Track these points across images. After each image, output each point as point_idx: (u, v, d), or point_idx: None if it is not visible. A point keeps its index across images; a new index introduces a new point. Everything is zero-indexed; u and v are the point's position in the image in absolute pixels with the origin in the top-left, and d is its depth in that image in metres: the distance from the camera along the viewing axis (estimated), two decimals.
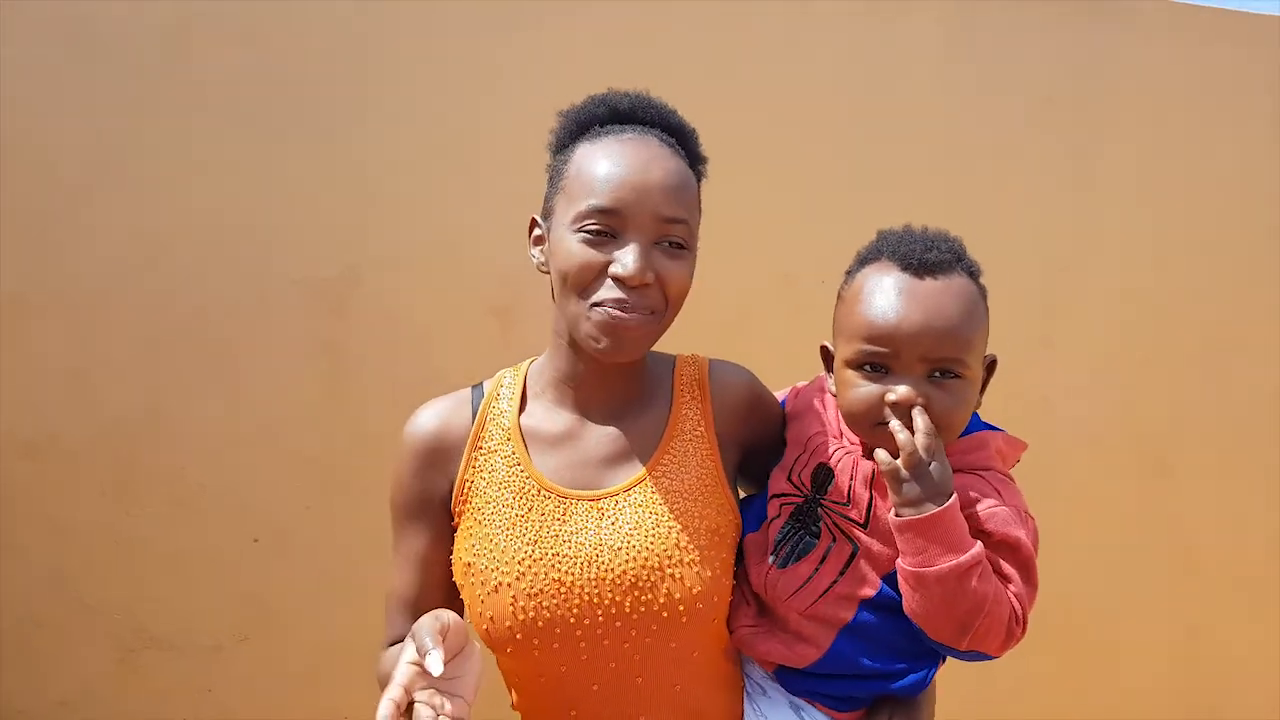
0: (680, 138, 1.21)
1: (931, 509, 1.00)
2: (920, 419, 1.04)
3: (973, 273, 1.14)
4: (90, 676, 2.55)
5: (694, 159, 1.23)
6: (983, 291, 1.15)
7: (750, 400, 1.27)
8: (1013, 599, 1.02)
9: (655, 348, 1.26)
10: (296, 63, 2.36)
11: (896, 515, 1.03)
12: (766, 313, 2.35)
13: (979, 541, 1.02)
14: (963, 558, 0.99)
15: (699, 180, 1.24)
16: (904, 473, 1.02)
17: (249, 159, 2.38)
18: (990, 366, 1.17)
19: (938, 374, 1.08)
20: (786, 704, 1.17)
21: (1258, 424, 2.43)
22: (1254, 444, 2.44)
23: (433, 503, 1.23)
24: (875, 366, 1.10)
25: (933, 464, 1.02)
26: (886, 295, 1.09)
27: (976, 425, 1.19)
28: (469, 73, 2.37)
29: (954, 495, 1.02)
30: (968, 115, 2.37)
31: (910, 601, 1.03)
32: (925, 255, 1.10)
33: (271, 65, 2.36)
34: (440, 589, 1.23)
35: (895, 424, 1.05)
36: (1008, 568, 1.04)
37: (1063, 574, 2.44)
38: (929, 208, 2.32)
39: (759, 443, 1.28)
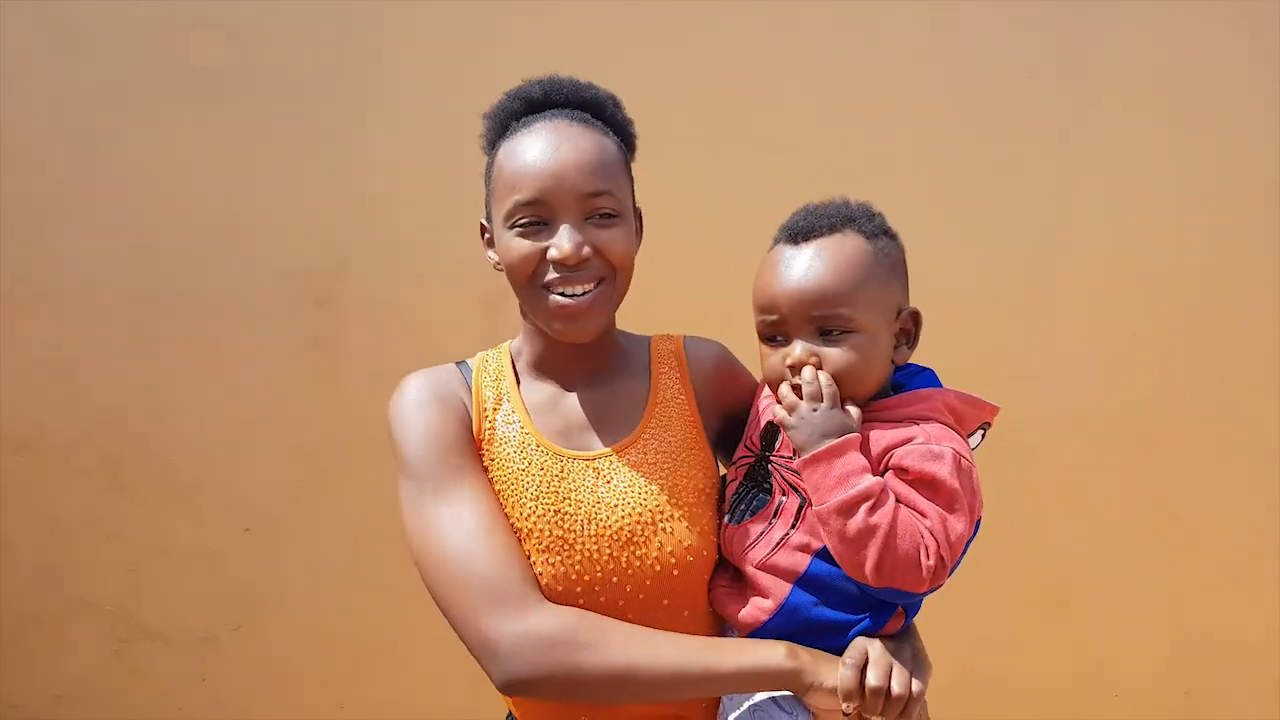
0: (596, 110, 1.24)
1: (820, 448, 1.07)
2: (808, 372, 1.11)
3: (867, 231, 1.16)
4: (84, 669, 2.56)
5: (616, 127, 1.26)
6: (882, 246, 1.16)
7: (724, 370, 1.34)
8: (925, 533, 1.04)
9: (632, 330, 1.35)
10: (281, 56, 2.36)
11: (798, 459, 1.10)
12: (749, 296, 2.35)
13: (876, 478, 1.07)
14: (850, 492, 1.04)
15: (630, 146, 1.28)
16: (790, 419, 1.10)
17: (235, 153, 2.38)
18: (913, 318, 1.19)
19: (830, 332, 1.13)
20: None
21: (1244, 398, 2.44)
22: (1241, 418, 2.45)
23: (469, 437, 1.21)
24: (775, 337, 1.17)
25: (818, 408, 1.09)
26: (768, 268, 1.18)
27: (934, 383, 1.21)
28: (454, 64, 2.36)
29: (845, 437, 1.07)
30: (952, 95, 2.38)
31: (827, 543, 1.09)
32: (802, 224, 1.17)
33: (256, 59, 2.36)
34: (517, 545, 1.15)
35: (784, 383, 1.13)
36: (924, 504, 1.06)
37: (1051, 549, 2.47)
38: (913, 188, 2.36)
39: (736, 413, 1.32)
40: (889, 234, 1.19)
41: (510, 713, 1.34)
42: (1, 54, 2.32)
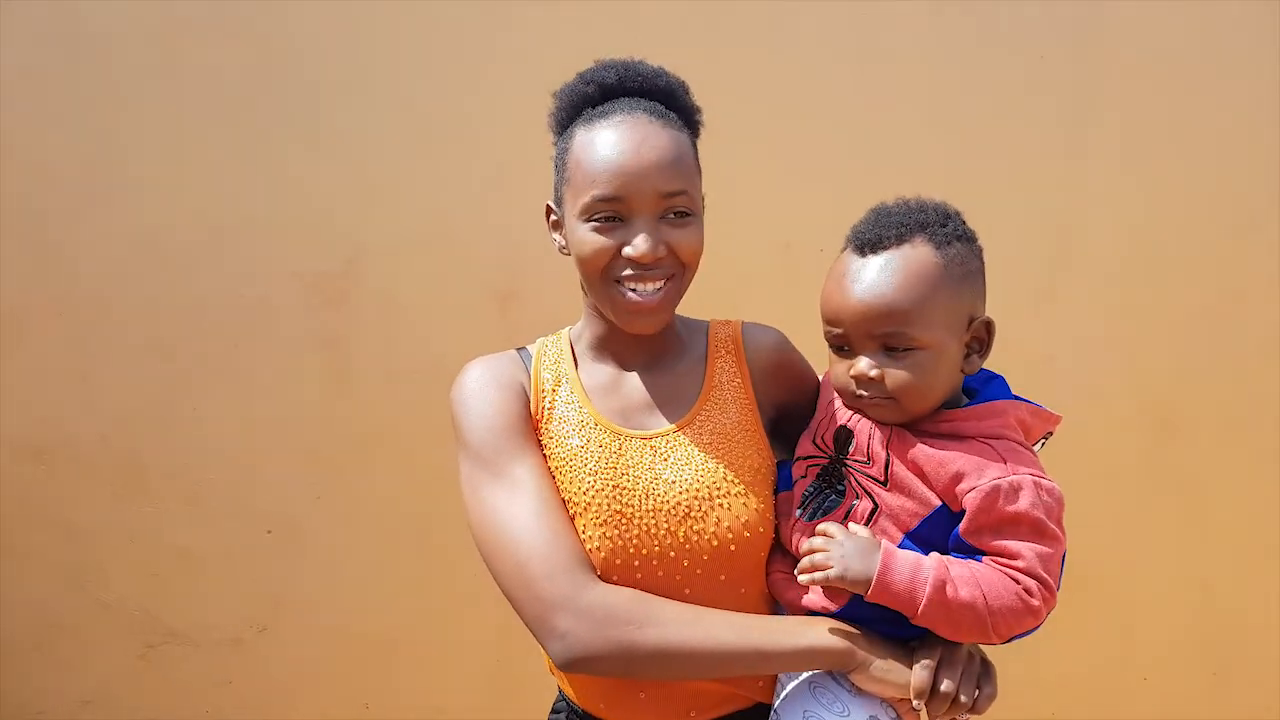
0: (669, 99, 1.25)
1: (876, 570, 1.06)
2: (815, 541, 1.12)
3: (938, 240, 1.12)
4: (111, 674, 2.58)
5: (687, 115, 1.27)
6: (954, 255, 1.13)
7: (781, 359, 1.34)
8: (1019, 576, 1.05)
9: (686, 314, 1.37)
10: (287, 56, 2.35)
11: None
12: (766, 282, 2.34)
13: (934, 559, 1.07)
14: (929, 589, 1.04)
15: (696, 132, 1.29)
16: (832, 568, 1.08)
17: (243, 154, 2.37)
18: (986, 328, 1.17)
19: (895, 349, 1.11)
20: None
21: (1263, 377, 2.42)
22: (1260, 397, 2.42)
23: (527, 420, 1.24)
24: (842, 347, 1.17)
25: (844, 544, 1.09)
26: (834, 278, 1.16)
27: (1004, 393, 1.19)
28: (461, 60, 2.34)
29: (881, 548, 1.08)
30: (963, 76, 2.35)
31: None
32: (870, 233, 1.14)
33: (265, 60, 2.34)
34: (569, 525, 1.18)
35: (807, 543, 1.12)
36: (1013, 545, 1.06)
37: (1072, 532, 2.45)
38: (926, 170, 2.33)
39: (792, 402, 1.34)
40: (964, 238, 1.15)
41: (561, 693, 1.35)
42: (9, 58, 2.32)
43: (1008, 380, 1.23)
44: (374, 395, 2.45)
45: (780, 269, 2.36)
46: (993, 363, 1.23)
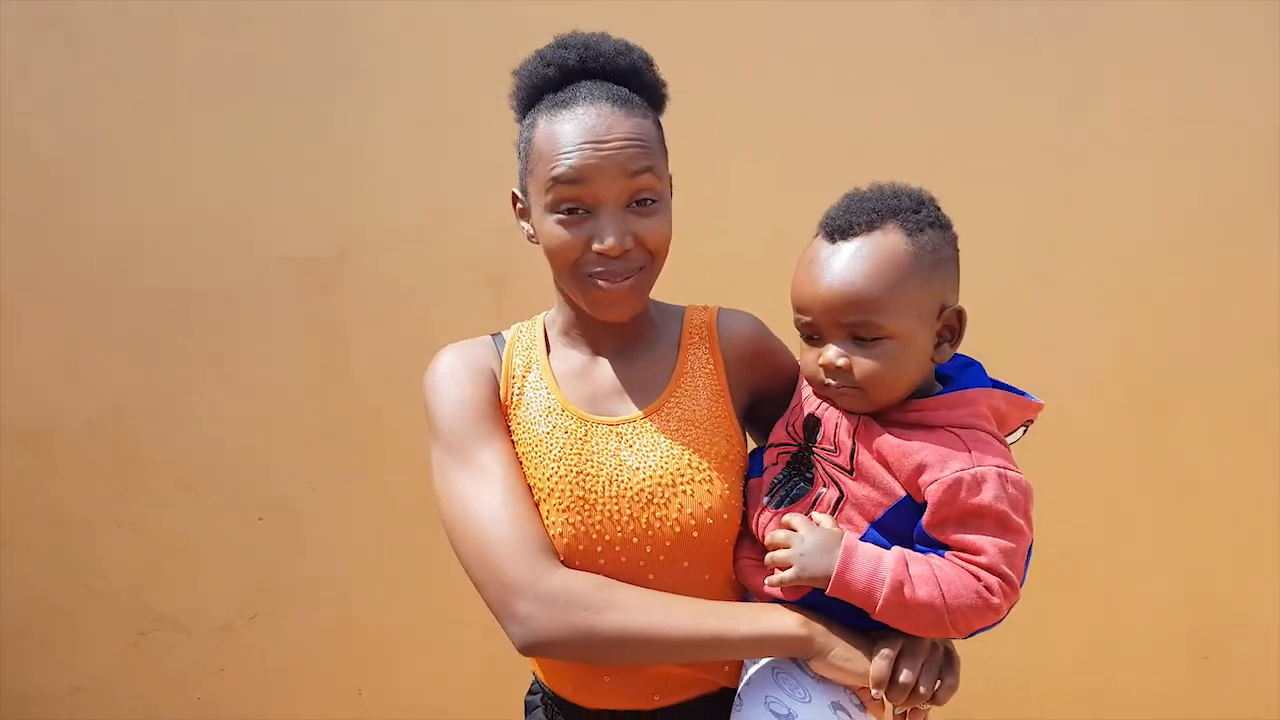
0: (633, 78, 1.23)
1: (836, 565, 1.06)
2: (778, 535, 1.12)
3: (909, 228, 1.10)
4: (102, 661, 2.58)
5: (651, 93, 1.25)
6: (926, 243, 1.10)
7: (756, 346, 1.33)
8: (980, 573, 1.04)
9: (665, 300, 1.37)
10: (279, 44, 2.34)
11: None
12: (759, 269, 2.34)
13: (895, 553, 1.06)
14: (886, 589, 1.04)
15: (661, 108, 1.27)
16: (791, 565, 1.09)
17: (234, 140, 2.36)
18: (958, 317, 1.14)
19: (864, 338, 1.09)
20: None
21: (1256, 364, 2.41)
22: (1252, 384, 2.42)
23: (496, 406, 1.24)
24: (811, 335, 1.15)
25: (805, 539, 1.09)
26: (804, 266, 1.15)
27: (981, 379, 1.17)
28: (452, 45, 2.34)
29: (843, 543, 1.07)
30: (958, 63, 2.34)
31: None
32: (841, 219, 1.12)
33: (254, 47, 2.34)
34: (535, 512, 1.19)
35: (770, 538, 1.12)
36: (975, 540, 1.04)
37: (1063, 518, 2.45)
38: (921, 157, 2.33)
39: (767, 389, 1.33)
40: (938, 225, 1.12)
41: (535, 678, 1.37)
42: (3, 49, 2.32)
43: (1002, 366, 1.21)
44: (367, 381, 2.45)
45: (774, 256, 2.36)
46: (988, 349, 1.22)
